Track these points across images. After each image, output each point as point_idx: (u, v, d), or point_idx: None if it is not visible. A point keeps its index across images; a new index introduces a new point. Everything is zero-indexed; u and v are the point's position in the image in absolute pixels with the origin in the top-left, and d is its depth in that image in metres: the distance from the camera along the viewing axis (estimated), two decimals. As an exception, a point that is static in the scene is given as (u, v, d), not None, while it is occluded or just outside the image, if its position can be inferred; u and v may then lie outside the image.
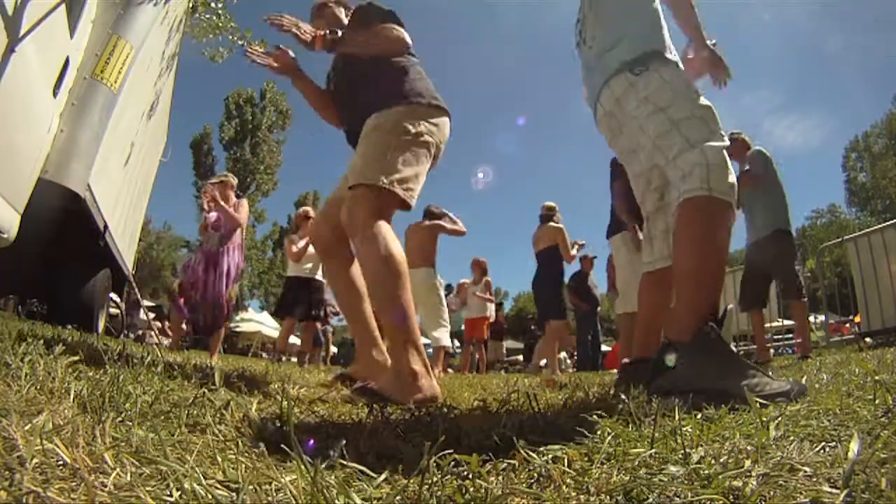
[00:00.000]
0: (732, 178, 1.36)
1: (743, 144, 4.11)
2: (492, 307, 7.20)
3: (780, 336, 9.68)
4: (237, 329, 16.86)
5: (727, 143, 1.41)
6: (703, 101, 1.45)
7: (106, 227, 3.98)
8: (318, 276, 5.52)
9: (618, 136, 1.64)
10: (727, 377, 1.12)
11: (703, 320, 1.21)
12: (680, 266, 1.34)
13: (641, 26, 1.53)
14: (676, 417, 0.78)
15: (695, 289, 1.28)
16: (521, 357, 11.33)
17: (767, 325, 7.45)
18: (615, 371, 5.51)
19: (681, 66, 1.52)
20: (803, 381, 1.47)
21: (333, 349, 17.06)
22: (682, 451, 0.58)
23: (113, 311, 5.86)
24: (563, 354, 13.13)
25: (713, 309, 1.26)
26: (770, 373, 1.20)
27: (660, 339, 1.83)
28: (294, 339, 13.05)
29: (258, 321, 18.09)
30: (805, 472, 0.52)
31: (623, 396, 1.21)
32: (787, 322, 8.64)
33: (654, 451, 0.59)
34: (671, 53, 1.51)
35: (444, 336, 4.82)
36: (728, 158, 1.38)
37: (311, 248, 5.43)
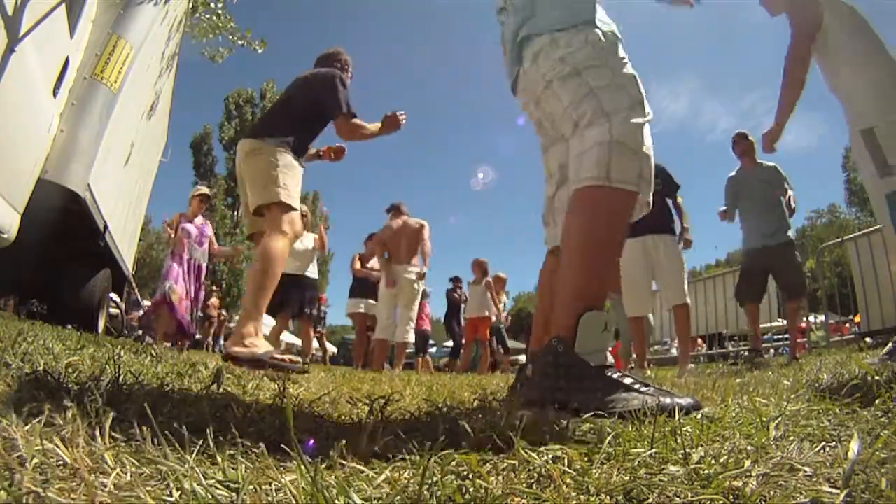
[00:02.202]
0: (642, 164, 1.21)
1: (751, 146, 4.41)
2: (492, 307, 7.20)
3: (780, 336, 9.68)
4: (237, 329, 16.79)
5: (648, 117, 1.26)
6: (629, 69, 1.30)
7: (106, 227, 3.99)
8: (310, 273, 5.55)
9: (531, 103, 1.46)
10: (578, 391, 1.02)
11: (561, 330, 1.11)
12: (564, 264, 1.23)
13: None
14: (676, 417, 0.78)
15: (570, 293, 1.16)
16: (522, 357, 11.34)
17: (768, 324, 7.47)
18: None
19: (613, 36, 1.33)
20: (803, 381, 1.47)
21: (333, 349, 17.08)
22: (682, 451, 0.58)
23: (113, 311, 5.88)
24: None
25: (593, 302, 1.13)
26: (653, 385, 1.05)
27: None
28: (294, 340, 13.05)
29: (258, 321, 18.01)
30: (805, 472, 0.52)
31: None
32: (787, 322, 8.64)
33: (654, 451, 0.59)
34: (604, 24, 1.35)
35: (409, 333, 5.10)
36: (643, 137, 1.23)
37: (298, 245, 5.48)
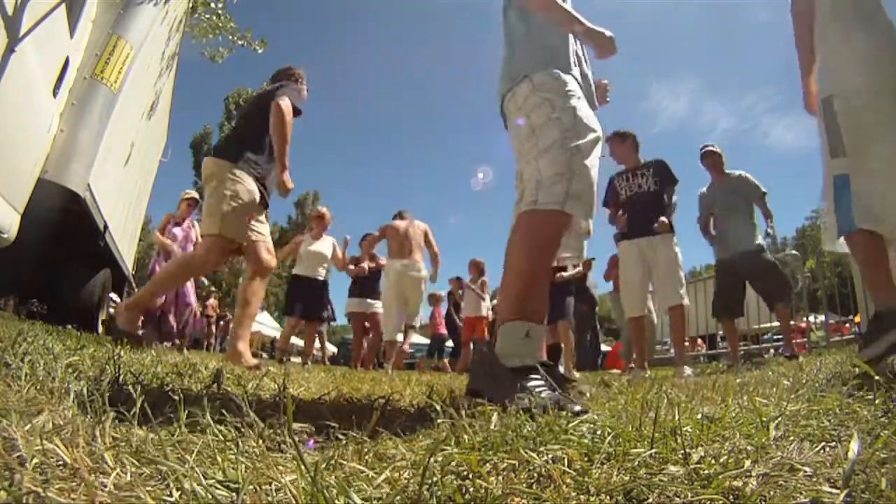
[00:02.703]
0: (571, 184, 1.31)
1: (719, 159, 4.41)
2: (487, 306, 7.23)
3: (780, 336, 9.67)
4: (237, 329, 16.87)
5: (585, 139, 1.36)
6: (572, 102, 1.40)
7: (106, 227, 3.98)
8: (320, 276, 5.62)
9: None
10: (493, 387, 1.19)
11: (498, 332, 1.29)
12: (502, 280, 1.41)
13: (531, 48, 1.52)
14: (676, 417, 0.77)
15: (502, 304, 1.35)
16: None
17: (768, 324, 7.47)
18: (615, 371, 5.53)
19: (563, 75, 1.47)
20: (803, 380, 1.47)
21: (333, 349, 17.07)
22: (682, 451, 0.58)
23: (113, 311, 5.89)
24: (562, 354, 13.12)
25: (518, 315, 1.28)
26: (567, 391, 1.22)
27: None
28: (296, 340, 13.06)
29: (258, 321, 18.08)
30: (805, 472, 0.52)
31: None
32: (786, 322, 8.63)
33: (654, 451, 0.59)
34: (557, 68, 1.48)
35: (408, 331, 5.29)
36: (574, 160, 1.33)
37: (314, 248, 5.54)
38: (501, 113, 1.61)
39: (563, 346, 5.26)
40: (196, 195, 5.68)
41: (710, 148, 4.43)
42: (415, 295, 5.03)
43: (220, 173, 2.69)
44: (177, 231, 5.17)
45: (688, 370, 3.56)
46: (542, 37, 1.52)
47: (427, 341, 10.94)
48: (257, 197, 2.77)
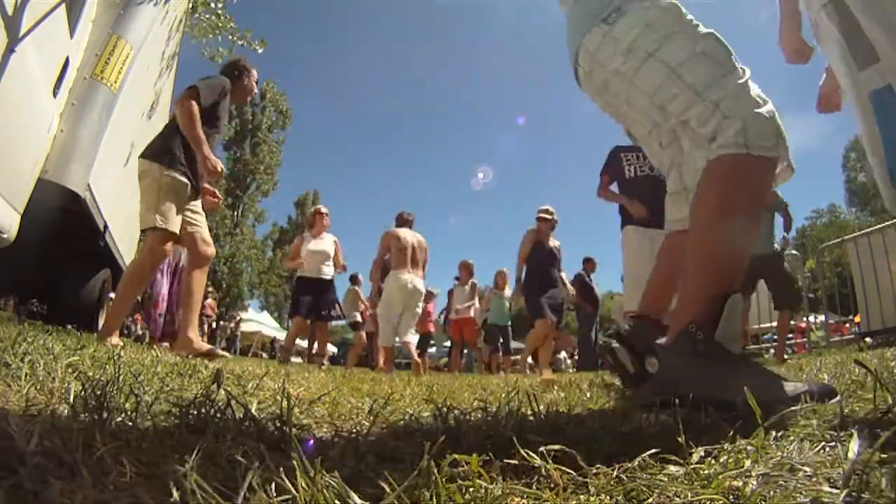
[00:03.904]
0: (773, 125, 1.10)
1: None
2: (477, 308, 7.27)
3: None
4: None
5: (746, 74, 1.14)
6: (702, 28, 1.18)
7: (106, 227, 3.98)
8: (326, 275, 5.59)
9: (606, 98, 1.38)
10: (723, 381, 0.90)
11: (697, 316, 0.99)
12: (690, 246, 1.11)
13: None
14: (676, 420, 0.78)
15: (705, 274, 1.04)
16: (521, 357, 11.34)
17: (768, 325, 7.48)
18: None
19: (670, 3, 1.24)
20: (803, 380, 1.47)
21: (333, 349, 17.08)
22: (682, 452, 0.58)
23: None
24: (563, 354, 13.14)
25: (719, 301, 0.99)
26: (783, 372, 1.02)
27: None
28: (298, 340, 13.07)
29: (258, 321, 18.10)
30: (805, 472, 0.52)
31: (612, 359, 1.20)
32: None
33: (654, 450, 0.59)
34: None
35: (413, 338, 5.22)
36: (753, 97, 1.12)
37: (314, 247, 5.52)
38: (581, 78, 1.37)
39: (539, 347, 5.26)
40: None
41: None
42: (413, 306, 5.09)
43: (151, 171, 2.83)
44: None
45: None
46: None
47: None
48: (188, 189, 2.91)
